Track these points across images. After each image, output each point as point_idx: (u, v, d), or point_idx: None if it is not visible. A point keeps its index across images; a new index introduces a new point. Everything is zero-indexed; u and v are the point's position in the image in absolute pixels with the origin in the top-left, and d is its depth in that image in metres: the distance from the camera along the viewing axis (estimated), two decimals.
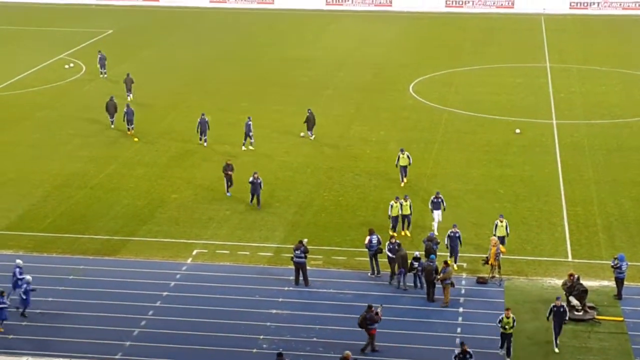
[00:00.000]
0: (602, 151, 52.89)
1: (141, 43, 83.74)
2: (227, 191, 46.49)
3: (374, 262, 37.93)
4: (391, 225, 41.39)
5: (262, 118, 58.74)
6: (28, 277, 34.92)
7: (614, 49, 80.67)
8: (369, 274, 37.94)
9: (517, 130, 56.11)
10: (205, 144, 54.17)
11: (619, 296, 35.79)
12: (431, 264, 35.65)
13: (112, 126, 57.47)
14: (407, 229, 41.82)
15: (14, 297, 35.14)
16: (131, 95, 64.03)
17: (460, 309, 35.13)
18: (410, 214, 41.47)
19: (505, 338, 31.90)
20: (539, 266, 38.36)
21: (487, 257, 37.30)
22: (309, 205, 45.19)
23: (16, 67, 73.21)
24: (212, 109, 60.74)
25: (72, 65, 73.21)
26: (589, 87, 67.17)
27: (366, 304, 32.65)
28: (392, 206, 41.18)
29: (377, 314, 32.25)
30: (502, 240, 38.55)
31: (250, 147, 53.42)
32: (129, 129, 56.44)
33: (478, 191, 47.01)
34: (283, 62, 75.85)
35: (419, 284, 36.40)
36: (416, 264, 36.30)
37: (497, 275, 37.06)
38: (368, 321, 32.13)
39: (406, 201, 41.34)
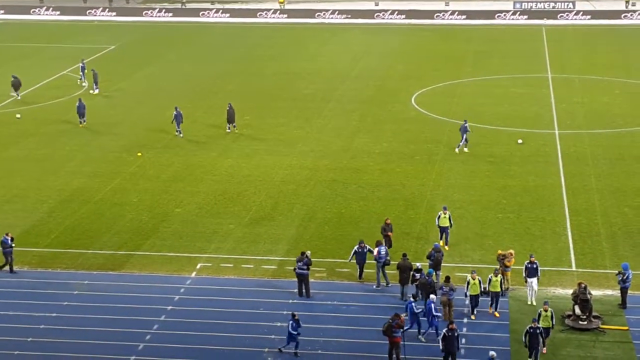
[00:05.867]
0: (604, 161, 52.93)
1: (144, 59, 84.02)
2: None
3: (381, 273, 37.91)
4: (469, 304, 35.52)
5: (265, 131, 58.99)
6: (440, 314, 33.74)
7: (616, 58, 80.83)
8: (375, 286, 37.85)
9: (520, 141, 56.19)
10: (181, 135, 58.22)
11: (623, 305, 35.80)
12: (427, 278, 35.64)
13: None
14: (494, 308, 35.67)
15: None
16: (97, 89, 70.15)
17: (465, 320, 35.10)
18: (500, 292, 35.57)
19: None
20: (543, 276, 38.20)
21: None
22: (312, 218, 45.26)
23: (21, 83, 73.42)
24: (216, 121, 60.95)
25: (83, 82, 73.20)
26: (591, 97, 67.26)
27: (372, 316, 32.62)
28: (468, 282, 35.34)
29: (399, 317, 32.18)
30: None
31: (465, 149, 54.53)
32: (82, 121, 61.46)
33: (482, 202, 47.04)
34: (286, 75, 76.09)
35: (419, 296, 36.31)
36: (417, 276, 36.31)
37: (510, 286, 36.96)
38: (394, 328, 32.03)
39: (496, 276, 35.30)
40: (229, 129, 59.34)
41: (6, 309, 36.50)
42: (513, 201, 47.07)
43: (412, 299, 34.21)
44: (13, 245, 39.74)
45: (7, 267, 39.77)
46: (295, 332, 32.66)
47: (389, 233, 40.70)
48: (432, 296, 34.14)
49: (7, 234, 39.96)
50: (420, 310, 33.90)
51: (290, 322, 32.79)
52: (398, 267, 36.86)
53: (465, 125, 54.89)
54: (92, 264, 40.65)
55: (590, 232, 43.13)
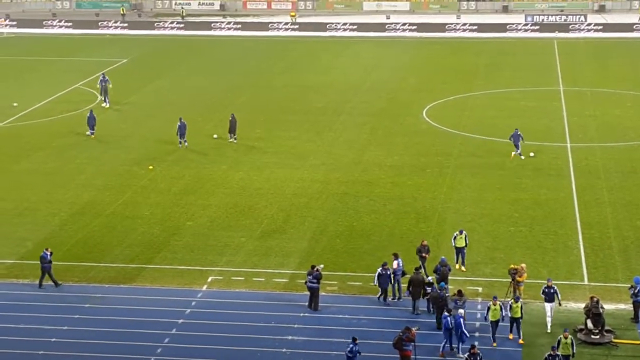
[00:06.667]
0: (616, 174, 52.76)
1: (155, 72, 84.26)
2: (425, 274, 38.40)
3: (397, 286, 37.77)
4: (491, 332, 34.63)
5: (277, 144, 59.08)
6: None
7: (628, 71, 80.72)
8: (390, 298, 37.77)
9: (532, 154, 56.06)
10: (186, 144, 58.88)
11: (636, 319, 35.61)
12: (439, 292, 35.53)
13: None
14: (517, 334, 34.67)
15: None
16: (108, 103, 70.31)
17: (477, 334, 34.96)
18: (520, 317, 34.47)
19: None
20: None
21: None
22: (323, 231, 45.21)
23: (32, 96, 73.69)
24: (227, 135, 60.95)
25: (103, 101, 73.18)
26: (603, 110, 67.12)
27: (383, 329, 32.52)
28: (489, 307, 34.51)
29: (410, 331, 32.02)
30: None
31: (521, 157, 55.15)
32: (91, 133, 61.92)
33: (493, 215, 46.91)
34: (297, 88, 76.20)
35: (431, 309, 36.23)
36: (429, 289, 36.22)
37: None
38: (404, 342, 31.90)
39: (516, 302, 34.28)
40: (234, 140, 59.55)
41: (18, 322, 36.51)
42: (525, 214, 46.93)
43: (447, 314, 33.84)
44: (51, 260, 39.69)
45: (44, 281, 39.75)
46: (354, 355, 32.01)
47: (425, 255, 39.79)
48: (460, 311, 33.82)
49: (46, 249, 39.94)
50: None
51: (351, 345, 32.06)
52: (410, 280, 36.75)
53: (518, 133, 55.19)
54: (104, 277, 40.66)
55: (603, 245, 42.96)
